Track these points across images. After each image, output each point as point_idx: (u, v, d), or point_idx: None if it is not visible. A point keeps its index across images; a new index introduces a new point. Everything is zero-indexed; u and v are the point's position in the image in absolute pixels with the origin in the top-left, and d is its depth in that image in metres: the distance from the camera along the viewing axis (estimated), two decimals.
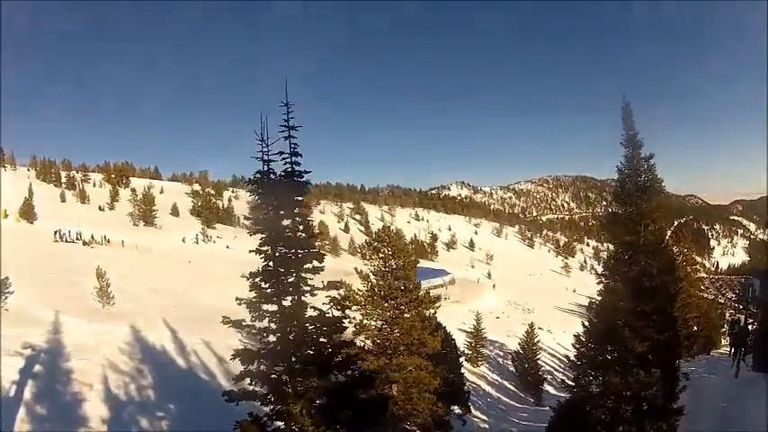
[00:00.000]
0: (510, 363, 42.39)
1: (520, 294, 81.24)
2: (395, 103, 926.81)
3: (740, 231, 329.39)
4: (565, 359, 45.86)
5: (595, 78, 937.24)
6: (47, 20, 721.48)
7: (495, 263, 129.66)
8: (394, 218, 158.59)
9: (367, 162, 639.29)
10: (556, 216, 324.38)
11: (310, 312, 10.05)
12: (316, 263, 9.88)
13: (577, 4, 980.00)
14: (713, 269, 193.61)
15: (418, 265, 71.32)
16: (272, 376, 10.08)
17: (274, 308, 9.96)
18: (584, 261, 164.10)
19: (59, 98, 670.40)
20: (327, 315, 10.08)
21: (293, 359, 9.91)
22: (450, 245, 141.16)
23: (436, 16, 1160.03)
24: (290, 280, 9.88)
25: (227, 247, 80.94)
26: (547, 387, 39.21)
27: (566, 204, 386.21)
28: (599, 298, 14.75)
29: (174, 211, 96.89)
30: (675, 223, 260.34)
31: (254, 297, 10.04)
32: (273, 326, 10.06)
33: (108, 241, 60.56)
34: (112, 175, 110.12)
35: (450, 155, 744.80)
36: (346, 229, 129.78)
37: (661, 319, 12.04)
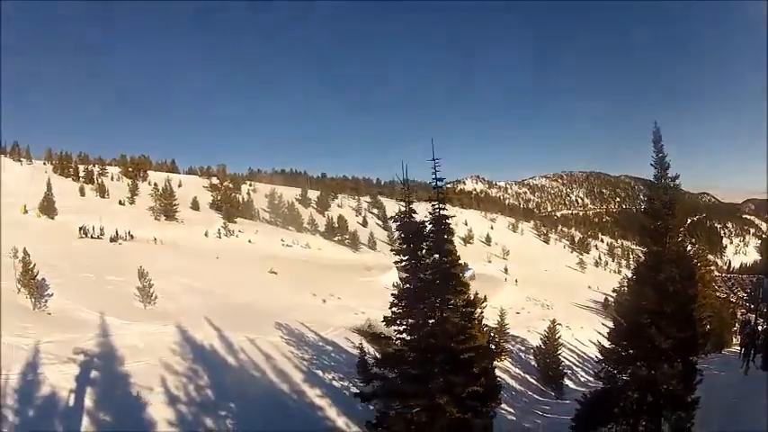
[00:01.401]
0: (532, 357, 42.38)
1: (538, 290, 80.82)
2: (408, 98, 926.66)
3: (752, 230, 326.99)
4: (584, 355, 46.27)
5: (609, 75, 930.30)
6: (58, 12, 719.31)
7: (511, 258, 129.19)
8: None
9: (382, 156, 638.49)
10: (570, 212, 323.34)
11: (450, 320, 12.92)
12: (459, 288, 12.99)
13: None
14: (725, 268, 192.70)
15: None
16: (418, 376, 12.65)
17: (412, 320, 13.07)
18: (599, 257, 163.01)
19: (71, 91, 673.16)
20: (460, 323, 12.97)
21: (438, 360, 12.55)
22: (467, 240, 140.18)
23: (449, 11, 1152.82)
24: (434, 299, 12.82)
25: (249, 241, 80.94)
26: (566, 381, 39.28)
27: (580, 200, 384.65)
28: (626, 298, 16.79)
29: (195, 205, 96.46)
30: (689, 221, 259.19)
31: (399, 310, 13.13)
32: (409, 337, 13.11)
33: (132, 237, 60.46)
34: (130, 169, 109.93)
35: (464, 149, 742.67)
36: (364, 223, 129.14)
37: (682, 320, 13.22)
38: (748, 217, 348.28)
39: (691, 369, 13.42)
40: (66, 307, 25.63)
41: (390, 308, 13.09)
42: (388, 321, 13.38)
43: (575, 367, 44.47)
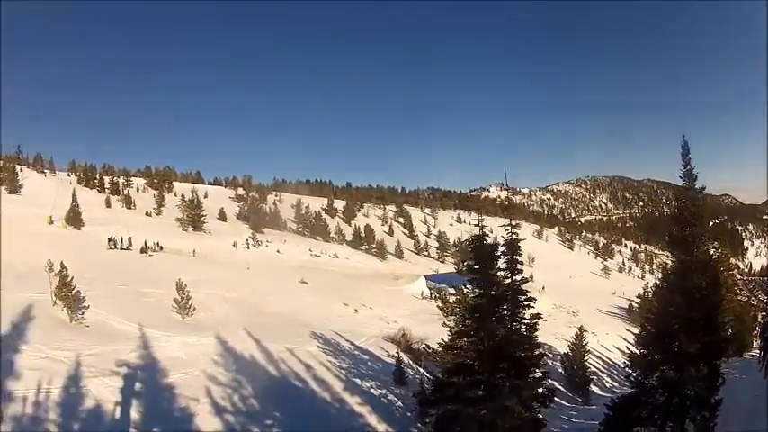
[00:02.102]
0: (559, 364, 41.80)
1: (563, 297, 79.64)
2: (431, 107, 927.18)
3: None
4: (609, 361, 45.70)
5: (629, 78, 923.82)
6: (79, 23, 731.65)
7: (536, 265, 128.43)
8: (437, 220, 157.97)
9: (405, 164, 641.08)
10: (594, 217, 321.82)
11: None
12: (526, 302, 14.46)
13: (608, 4, 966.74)
14: (747, 270, 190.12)
15: None
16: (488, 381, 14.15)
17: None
18: (623, 263, 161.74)
19: (91, 103, 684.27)
20: (525, 334, 14.62)
21: (506, 367, 13.83)
22: None
23: (469, 17, 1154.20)
24: (505, 312, 14.37)
25: (278, 251, 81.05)
26: (593, 387, 39.08)
27: (603, 205, 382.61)
28: (654, 305, 17.30)
29: (222, 216, 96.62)
30: (711, 224, 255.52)
31: (470, 323, 15.00)
32: (481, 346, 14.46)
33: (161, 248, 60.51)
34: (155, 180, 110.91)
35: (488, 156, 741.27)
36: (390, 232, 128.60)
37: (708, 325, 13.68)
38: None
39: (715, 372, 13.86)
40: (103, 319, 25.65)
41: (463, 321, 15.41)
42: (460, 333, 15.47)
43: (600, 373, 44.32)
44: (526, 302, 14.29)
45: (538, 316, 14.88)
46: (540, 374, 14.79)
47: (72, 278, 24.94)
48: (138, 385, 18.30)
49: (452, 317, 19.26)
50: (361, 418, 20.94)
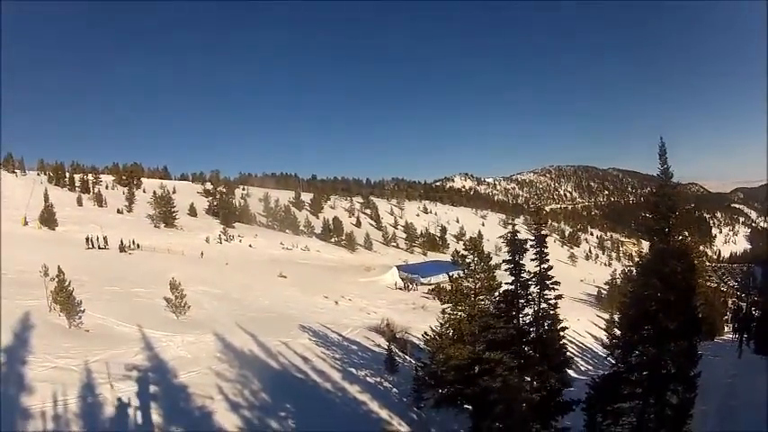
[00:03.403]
0: None
1: None
2: (396, 97, 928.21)
3: (741, 219, 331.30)
4: (582, 345, 47.20)
5: (594, 69, 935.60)
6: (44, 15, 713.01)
7: (503, 254, 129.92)
8: (403, 211, 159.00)
9: (369, 155, 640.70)
10: (559, 206, 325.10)
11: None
12: (553, 285, 17.12)
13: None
14: (715, 257, 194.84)
15: (438, 259, 72.72)
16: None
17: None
18: (590, 251, 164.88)
19: (61, 99, 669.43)
20: (551, 313, 17.33)
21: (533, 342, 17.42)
22: (460, 237, 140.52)
23: (434, 11, 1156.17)
24: (533, 298, 17.09)
25: (250, 245, 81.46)
26: (568, 371, 40.26)
27: (568, 194, 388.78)
28: (630, 289, 18.51)
29: (192, 212, 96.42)
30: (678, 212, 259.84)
31: (505, 307, 17.69)
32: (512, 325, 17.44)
33: (138, 246, 60.26)
34: (123, 177, 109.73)
35: (452, 146, 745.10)
36: (358, 224, 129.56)
37: (684, 306, 14.71)
38: (737, 206, 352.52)
39: (692, 348, 15.06)
40: (101, 322, 25.70)
41: (498, 304, 18.14)
42: (500, 312, 17.99)
43: (575, 357, 45.02)
44: (552, 285, 16.83)
45: (559, 296, 17.36)
46: (560, 344, 17.63)
47: (69, 283, 24.58)
48: (152, 388, 18.47)
49: (449, 304, 20.43)
50: (363, 405, 21.83)
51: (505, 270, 17.31)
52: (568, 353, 18.18)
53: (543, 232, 17.65)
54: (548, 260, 16.82)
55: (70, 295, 24.30)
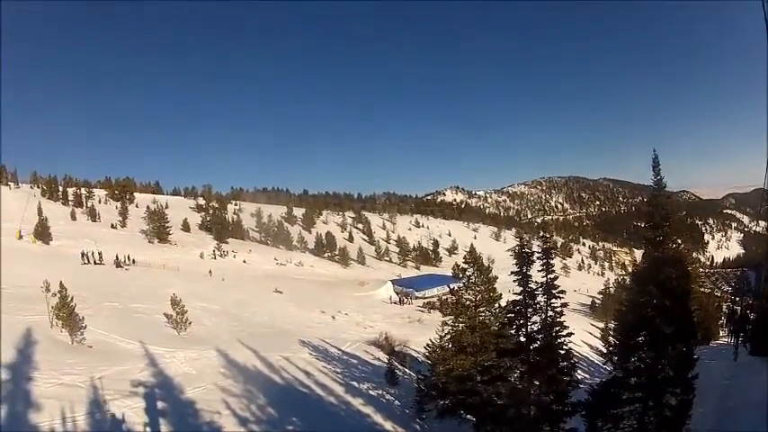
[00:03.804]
0: None
1: None
2: (386, 110, 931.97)
3: (734, 225, 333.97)
4: (578, 354, 47.24)
5: (587, 78, 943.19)
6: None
7: (496, 267, 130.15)
8: (395, 225, 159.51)
9: (359, 169, 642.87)
10: (551, 217, 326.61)
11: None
12: (558, 294, 17.48)
13: (567, 4, 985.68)
14: (708, 263, 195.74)
15: (432, 273, 73.08)
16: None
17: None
18: (582, 261, 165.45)
19: (50, 112, 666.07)
20: (556, 319, 17.61)
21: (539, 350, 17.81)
22: (452, 250, 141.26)
23: (423, 21, 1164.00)
24: (540, 307, 17.59)
25: (245, 261, 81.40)
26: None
27: (560, 205, 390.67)
28: (626, 296, 19.44)
29: (185, 227, 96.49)
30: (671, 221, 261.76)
31: (514, 316, 18.20)
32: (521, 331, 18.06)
33: (134, 261, 60.31)
34: (116, 191, 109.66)
35: (443, 160, 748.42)
36: (350, 239, 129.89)
37: (680, 311, 15.17)
38: (729, 212, 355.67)
39: (690, 351, 15.50)
40: (103, 338, 25.70)
41: (507, 314, 18.74)
42: (510, 322, 18.61)
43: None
44: (559, 294, 17.35)
45: (565, 305, 17.79)
46: (567, 349, 18.06)
47: (72, 298, 24.59)
48: (160, 404, 18.47)
49: (450, 316, 21.22)
50: (368, 417, 21.97)
51: (514, 281, 17.75)
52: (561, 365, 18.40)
53: (550, 245, 18.62)
54: (554, 271, 17.54)
55: (72, 311, 24.19)
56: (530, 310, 17.57)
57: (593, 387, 17.52)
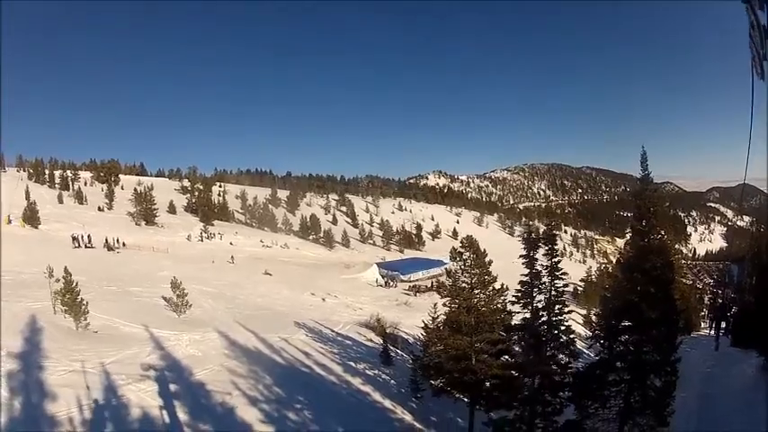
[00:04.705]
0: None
1: (509, 281, 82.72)
2: (370, 93, 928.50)
3: (717, 218, 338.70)
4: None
5: (572, 70, 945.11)
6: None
7: None
8: (378, 208, 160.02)
9: (342, 152, 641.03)
10: (533, 204, 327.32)
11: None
12: (561, 276, 18.44)
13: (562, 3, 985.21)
14: (690, 255, 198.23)
15: (416, 256, 74.17)
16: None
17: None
18: (564, 248, 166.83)
19: (36, 94, 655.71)
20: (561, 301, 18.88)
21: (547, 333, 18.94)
22: (435, 234, 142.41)
23: (409, 9, 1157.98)
24: (545, 287, 18.51)
25: (231, 243, 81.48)
26: None
27: (542, 192, 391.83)
28: (611, 283, 21.57)
29: (172, 209, 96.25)
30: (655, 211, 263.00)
31: (521, 296, 18.90)
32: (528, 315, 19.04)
33: (124, 244, 60.77)
34: (101, 173, 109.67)
35: (426, 144, 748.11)
36: (334, 221, 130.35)
37: (664, 298, 15.97)
38: (713, 205, 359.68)
39: (673, 334, 16.52)
40: (107, 323, 26.02)
41: (517, 292, 19.08)
42: (518, 298, 19.22)
43: None
44: (562, 275, 18.40)
45: (566, 285, 19.17)
46: (567, 325, 19.02)
47: (76, 284, 24.76)
48: (172, 386, 18.91)
49: (448, 297, 22.02)
50: (368, 395, 22.88)
51: (522, 264, 18.77)
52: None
53: (556, 232, 19.43)
54: (557, 254, 18.45)
55: (77, 297, 24.30)
56: (535, 289, 18.62)
57: (579, 370, 18.73)
